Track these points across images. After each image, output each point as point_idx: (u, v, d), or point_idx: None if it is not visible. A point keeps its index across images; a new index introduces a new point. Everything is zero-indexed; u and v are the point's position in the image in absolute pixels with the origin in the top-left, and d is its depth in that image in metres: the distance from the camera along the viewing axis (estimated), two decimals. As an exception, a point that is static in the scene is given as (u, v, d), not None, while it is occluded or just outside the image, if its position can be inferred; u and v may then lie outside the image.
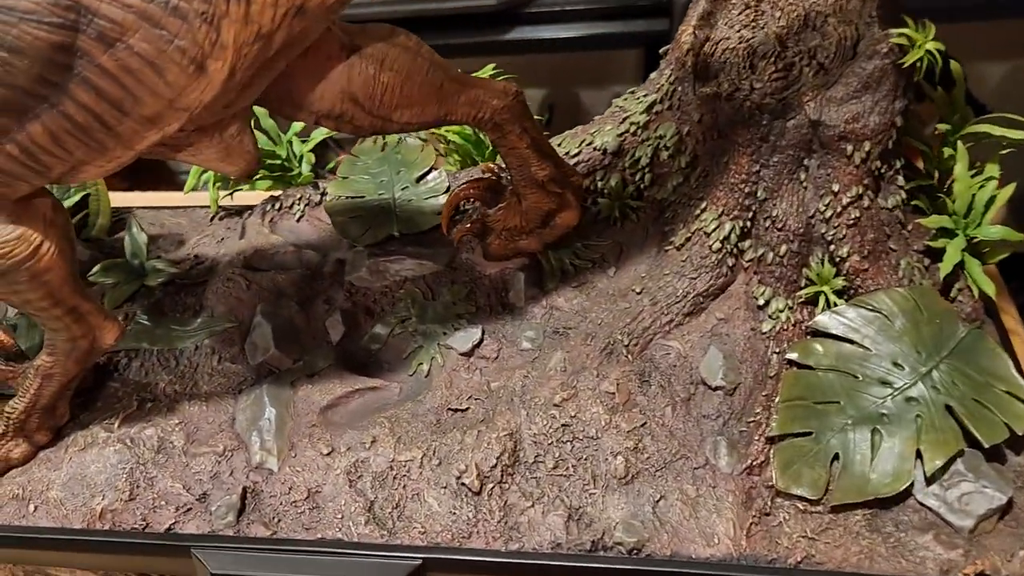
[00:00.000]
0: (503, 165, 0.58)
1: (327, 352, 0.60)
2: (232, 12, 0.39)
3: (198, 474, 0.55)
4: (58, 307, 0.50)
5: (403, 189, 0.66)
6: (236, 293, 0.63)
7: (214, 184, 0.68)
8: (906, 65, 0.51)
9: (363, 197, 0.66)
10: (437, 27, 1.37)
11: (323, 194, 0.68)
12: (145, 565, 0.54)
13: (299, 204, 0.69)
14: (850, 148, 0.53)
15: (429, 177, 0.66)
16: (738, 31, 0.56)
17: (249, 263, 0.66)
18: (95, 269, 0.65)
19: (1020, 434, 0.50)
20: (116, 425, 0.57)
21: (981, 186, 0.58)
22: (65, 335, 0.52)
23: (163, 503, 0.54)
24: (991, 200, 0.58)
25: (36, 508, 0.54)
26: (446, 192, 0.65)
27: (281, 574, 0.51)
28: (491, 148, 0.67)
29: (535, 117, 0.55)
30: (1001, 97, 1.83)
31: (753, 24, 0.56)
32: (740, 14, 0.56)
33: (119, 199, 0.73)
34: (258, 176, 0.69)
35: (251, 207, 0.71)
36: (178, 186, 0.70)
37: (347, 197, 0.66)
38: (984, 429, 0.49)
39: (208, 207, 0.72)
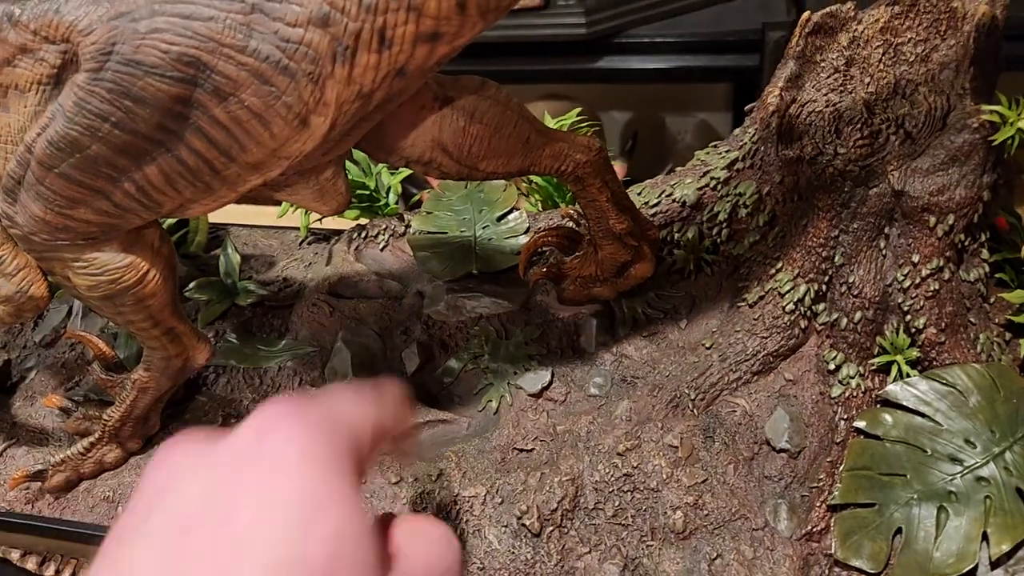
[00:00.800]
0: (580, 210, 0.60)
1: (402, 382, 0.63)
2: (337, 73, 0.41)
3: (273, 492, 0.58)
4: (157, 328, 0.53)
5: (484, 228, 0.68)
6: (320, 319, 0.66)
7: (306, 212, 0.72)
8: (996, 143, 0.50)
9: (445, 233, 0.68)
10: (527, 53, 1.40)
11: (407, 226, 0.71)
12: None
13: (384, 234, 0.72)
14: (933, 220, 0.53)
15: (510, 217, 0.68)
16: (825, 95, 0.56)
17: (334, 289, 0.69)
18: (191, 286, 0.69)
19: (1094, 525, 0.49)
20: (201, 438, 0.60)
21: (1071, 262, 0.57)
22: (161, 353, 0.55)
23: (239, 517, 0.57)
24: (1081, 276, 0.57)
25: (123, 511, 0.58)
26: (525, 233, 0.67)
27: (344, 596, 0.53)
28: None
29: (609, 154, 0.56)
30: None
31: (841, 88, 0.56)
32: (828, 77, 0.56)
33: (217, 215, 0.77)
34: (347, 205, 0.72)
35: (339, 232, 0.74)
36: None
37: (429, 232, 0.69)
38: (1056, 517, 0.48)
39: (298, 229, 0.76)
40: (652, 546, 0.52)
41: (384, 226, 0.72)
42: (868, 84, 0.55)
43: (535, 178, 0.70)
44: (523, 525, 0.53)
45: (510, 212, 0.69)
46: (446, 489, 0.56)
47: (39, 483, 0.59)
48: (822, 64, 0.57)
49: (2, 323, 0.55)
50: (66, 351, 0.70)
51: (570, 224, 0.64)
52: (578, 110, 0.73)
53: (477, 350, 0.63)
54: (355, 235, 0.72)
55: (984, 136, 0.51)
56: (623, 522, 0.53)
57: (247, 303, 0.68)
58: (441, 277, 0.66)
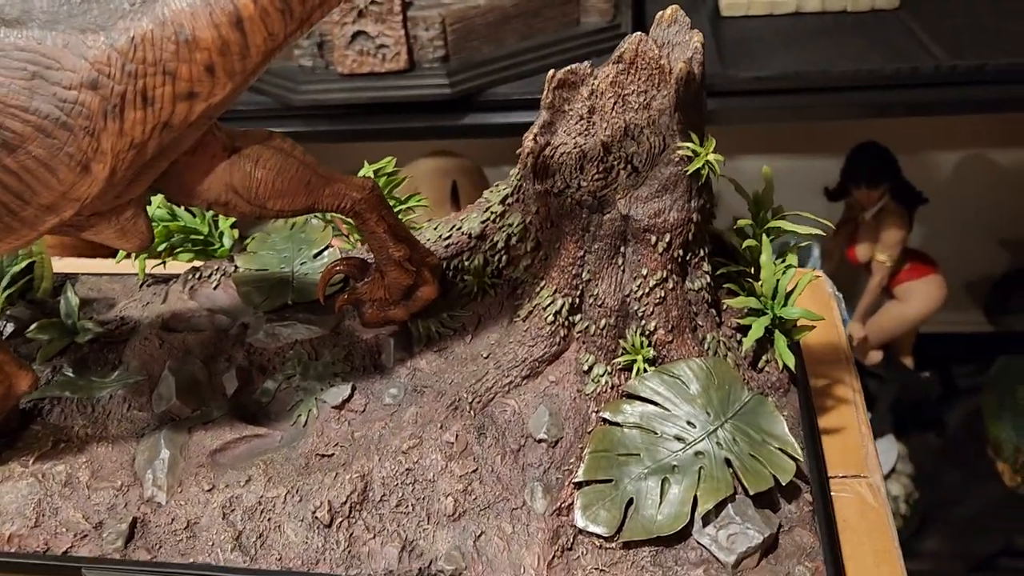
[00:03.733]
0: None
1: (222, 403, 0.70)
2: (109, 127, 0.49)
3: (97, 505, 0.64)
4: (-23, 358, 0.60)
5: (302, 264, 0.76)
6: (150, 350, 0.73)
7: (142, 256, 0.79)
8: (690, 172, 0.61)
9: (267, 270, 0.76)
10: (395, 112, 1.50)
11: (236, 267, 0.78)
12: (44, 583, 0.63)
13: (216, 274, 0.79)
14: (654, 239, 0.63)
15: (325, 254, 0.77)
16: (574, 138, 0.66)
17: (166, 325, 0.76)
18: (32, 327, 0.75)
19: (784, 484, 0.58)
20: (31, 462, 0.66)
21: (784, 272, 0.67)
22: (-16, 382, 0.61)
23: (64, 530, 0.63)
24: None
25: (-44, 531, 0.63)
26: (339, 267, 0.75)
27: (155, 592, 0.59)
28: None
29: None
30: (951, 184, 1.98)
31: (586, 132, 0.66)
32: (576, 124, 0.66)
33: (62, 265, 0.84)
34: (181, 249, 0.80)
35: (176, 276, 0.81)
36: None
37: (254, 269, 0.77)
38: (752, 479, 0.58)
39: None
40: (427, 529, 0.60)
41: (217, 267, 0.79)
42: (605, 128, 0.65)
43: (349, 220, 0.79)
44: (316, 518, 0.61)
45: (325, 249, 0.77)
46: (253, 492, 0.63)
47: None
48: (570, 113, 0.67)
49: None
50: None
51: (362, 255, 0.72)
52: (391, 159, 0.82)
53: (290, 371, 0.71)
54: (190, 276, 0.79)
55: (684, 168, 0.62)
56: (404, 510, 0.61)
57: (85, 340, 0.74)
58: (261, 308, 0.73)
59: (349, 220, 0.66)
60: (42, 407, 0.71)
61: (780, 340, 0.67)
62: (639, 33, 0.63)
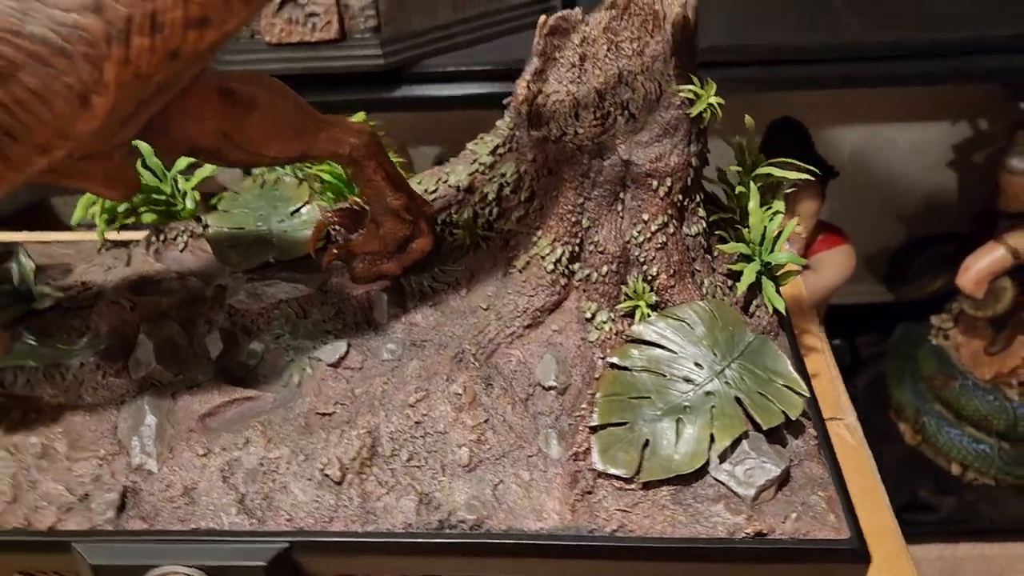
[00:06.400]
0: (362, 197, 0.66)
1: (206, 367, 0.66)
2: (114, 54, 0.46)
3: (80, 477, 0.60)
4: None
5: (279, 222, 0.73)
6: (121, 314, 0.68)
7: (102, 216, 0.74)
8: (693, 115, 0.62)
9: (243, 228, 0.73)
10: (326, 84, 1.46)
11: (206, 226, 0.74)
12: (29, 562, 0.58)
13: (183, 235, 0.75)
14: (655, 183, 0.64)
15: (303, 211, 0.74)
16: (565, 86, 0.66)
17: (135, 288, 0.71)
18: (-18, 295, 0.69)
19: (794, 419, 0.60)
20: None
21: (771, 219, 0.69)
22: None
23: (45, 504, 0.58)
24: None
25: (-81, 513, 0.58)
26: (319, 224, 0.73)
27: (157, 561, 0.56)
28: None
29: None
30: (851, 160, 2.07)
31: (578, 80, 0.66)
32: (567, 72, 0.66)
33: (4, 237, 0.78)
34: (144, 210, 0.75)
35: (134, 241, 0.76)
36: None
37: (228, 228, 0.73)
38: (763, 415, 0.59)
39: (94, 240, 0.78)
40: (443, 481, 0.59)
41: (182, 228, 0.75)
42: (598, 75, 0.65)
43: (324, 176, 0.76)
44: (326, 475, 0.58)
45: (303, 206, 0.74)
46: (252, 455, 0.60)
47: None
48: (561, 60, 0.66)
49: None
50: None
51: (354, 206, 0.70)
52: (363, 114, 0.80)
53: (278, 331, 0.68)
54: (154, 238, 0.75)
55: (686, 111, 0.62)
56: (416, 464, 0.60)
57: (45, 306, 0.69)
58: (239, 268, 0.70)
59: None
60: (3, 377, 0.65)
61: (768, 285, 0.69)
62: (633, -21, 0.63)
